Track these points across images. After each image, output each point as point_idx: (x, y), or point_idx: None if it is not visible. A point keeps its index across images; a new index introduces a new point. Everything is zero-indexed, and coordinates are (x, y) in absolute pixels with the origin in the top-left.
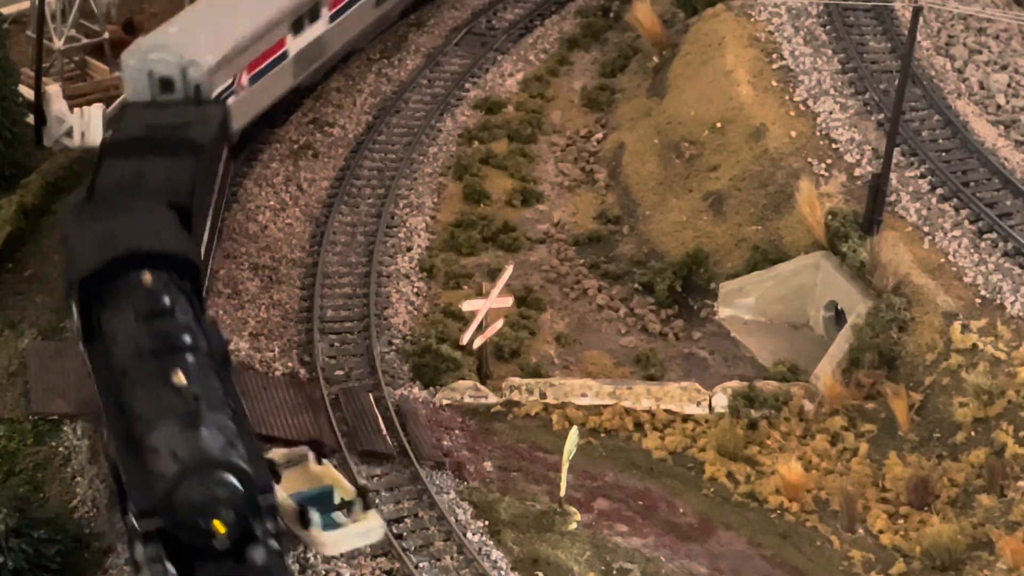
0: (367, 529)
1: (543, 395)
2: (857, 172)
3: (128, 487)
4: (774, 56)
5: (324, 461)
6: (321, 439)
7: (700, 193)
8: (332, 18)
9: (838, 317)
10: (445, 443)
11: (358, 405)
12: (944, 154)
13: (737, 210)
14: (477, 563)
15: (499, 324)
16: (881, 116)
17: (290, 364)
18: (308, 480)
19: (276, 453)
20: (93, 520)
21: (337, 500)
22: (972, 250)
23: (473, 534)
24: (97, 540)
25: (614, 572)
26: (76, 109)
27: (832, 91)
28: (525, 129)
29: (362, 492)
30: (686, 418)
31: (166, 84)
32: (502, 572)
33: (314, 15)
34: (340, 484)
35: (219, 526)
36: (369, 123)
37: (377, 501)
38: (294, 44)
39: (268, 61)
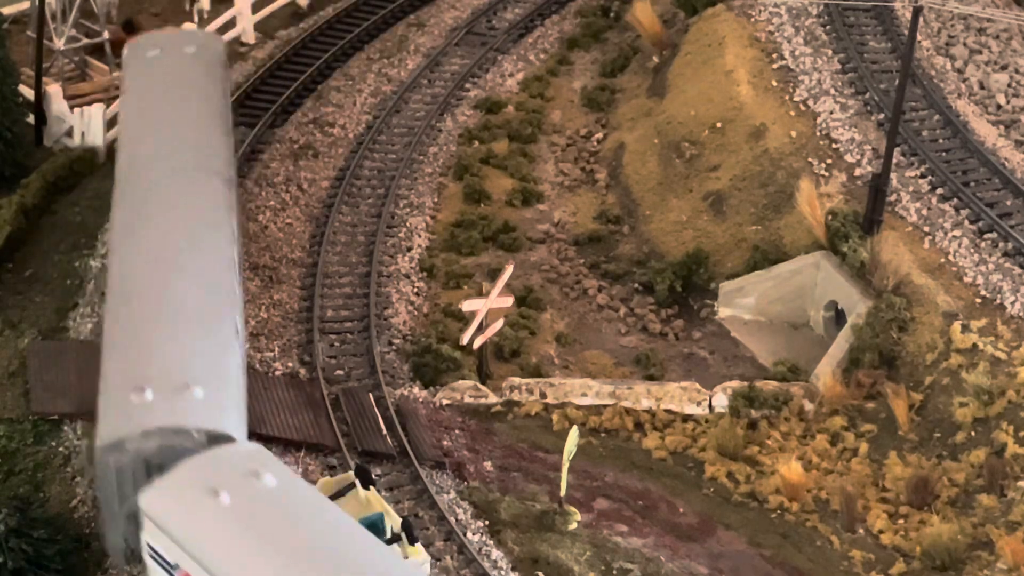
0: (416, 565)
1: (543, 395)
2: (857, 172)
3: None
4: (774, 56)
5: (371, 487)
6: (366, 465)
7: (700, 193)
8: None
9: (838, 317)
10: (445, 443)
11: (358, 405)
12: (944, 154)
13: (737, 210)
14: (477, 563)
15: (499, 324)
16: (881, 116)
17: (290, 364)
18: (359, 507)
19: (324, 482)
20: (93, 520)
21: (387, 530)
22: (972, 250)
23: (473, 534)
24: (97, 540)
25: (614, 572)
26: (76, 109)
27: (832, 91)
28: (525, 129)
29: (406, 524)
30: (686, 418)
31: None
32: (502, 572)
33: None
34: (389, 513)
35: None
36: (369, 123)
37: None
38: None
39: None
